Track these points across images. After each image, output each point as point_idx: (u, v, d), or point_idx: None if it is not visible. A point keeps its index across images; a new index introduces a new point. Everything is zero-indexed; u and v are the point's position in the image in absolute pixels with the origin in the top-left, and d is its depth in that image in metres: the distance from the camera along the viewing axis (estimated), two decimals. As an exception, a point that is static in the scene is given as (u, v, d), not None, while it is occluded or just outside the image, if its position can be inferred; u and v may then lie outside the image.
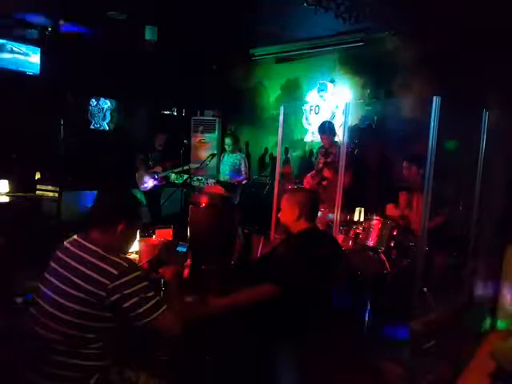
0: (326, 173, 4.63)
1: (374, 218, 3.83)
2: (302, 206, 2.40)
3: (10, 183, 5.34)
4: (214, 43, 6.49)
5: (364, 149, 5.22)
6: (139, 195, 5.87)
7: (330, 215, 4.11)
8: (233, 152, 5.82)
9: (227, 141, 5.86)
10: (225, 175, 5.84)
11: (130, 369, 1.79)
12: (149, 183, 5.96)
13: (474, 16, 4.23)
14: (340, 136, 6.04)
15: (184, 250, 2.57)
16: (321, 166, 4.77)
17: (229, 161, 5.83)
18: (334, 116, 6.50)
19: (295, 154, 7.17)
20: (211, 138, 7.79)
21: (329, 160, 4.69)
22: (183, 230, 3.26)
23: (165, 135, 6.16)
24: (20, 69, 6.06)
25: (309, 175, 4.84)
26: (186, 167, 5.89)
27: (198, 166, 5.85)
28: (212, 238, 3.16)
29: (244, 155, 6.06)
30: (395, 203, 4.19)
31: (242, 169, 5.74)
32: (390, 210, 4.18)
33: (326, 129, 4.97)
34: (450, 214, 3.97)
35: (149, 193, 6.00)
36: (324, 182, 4.68)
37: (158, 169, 5.98)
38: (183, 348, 2.06)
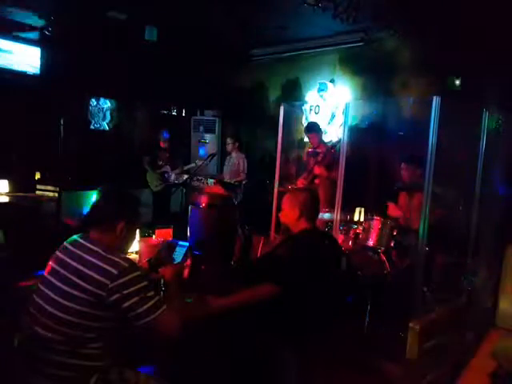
0: (317, 169, 4.62)
1: (374, 218, 3.83)
2: (303, 206, 2.41)
3: (9, 183, 5.34)
4: (214, 43, 6.48)
5: (362, 148, 5.20)
6: (147, 195, 5.97)
7: (324, 216, 4.08)
8: (232, 151, 5.90)
9: (227, 140, 5.96)
10: (226, 175, 5.91)
11: (130, 369, 1.79)
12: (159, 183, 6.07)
13: (474, 16, 4.23)
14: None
15: (184, 250, 2.57)
16: (311, 166, 4.76)
17: (229, 161, 5.92)
18: (334, 116, 6.50)
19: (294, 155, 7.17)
20: (211, 137, 7.79)
21: (319, 159, 4.68)
22: (183, 230, 3.26)
23: (167, 131, 6.26)
24: (20, 69, 6.05)
25: (301, 177, 4.84)
26: (191, 165, 6.02)
27: (199, 164, 5.91)
28: (212, 238, 3.16)
29: (243, 155, 6.10)
30: (396, 203, 4.18)
31: (241, 168, 5.80)
32: (392, 209, 4.13)
33: (312, 127, 4.98)
34: (449, 212, 3.95)
35: (159, 193, 6.08)
36: (316, 181, 4.67)
37: (167, 168, 6.07)
38: (183, 348, 2.05)
